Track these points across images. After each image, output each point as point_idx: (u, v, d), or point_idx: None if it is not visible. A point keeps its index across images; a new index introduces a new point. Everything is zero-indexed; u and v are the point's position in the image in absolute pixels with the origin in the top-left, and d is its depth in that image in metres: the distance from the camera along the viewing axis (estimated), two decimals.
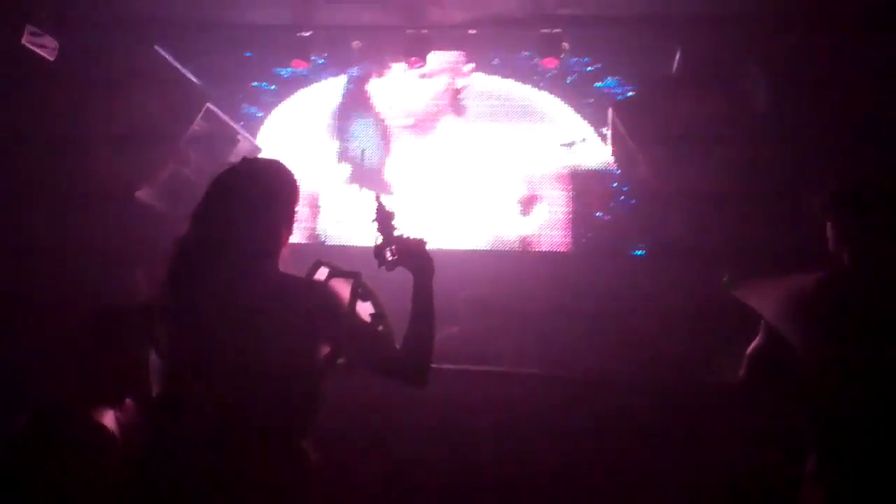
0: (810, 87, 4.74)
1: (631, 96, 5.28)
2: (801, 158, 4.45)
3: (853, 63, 4.65)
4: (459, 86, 6.22)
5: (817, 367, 2.32)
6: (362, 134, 6.24)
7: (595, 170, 5.79)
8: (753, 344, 2.48)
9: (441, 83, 6.23)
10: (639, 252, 5.49)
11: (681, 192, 4.68)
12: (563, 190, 5.86)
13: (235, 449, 2.13)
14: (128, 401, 2.90)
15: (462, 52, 6.20)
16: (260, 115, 6.28)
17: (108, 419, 2.90)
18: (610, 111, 5.07)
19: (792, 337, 2.33)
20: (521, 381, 3.98)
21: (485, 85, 6.19)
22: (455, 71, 6.23)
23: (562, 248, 5.80)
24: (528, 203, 5.90)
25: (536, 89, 6.06)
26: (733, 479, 3.51)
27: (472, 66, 6.19)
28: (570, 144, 5.81)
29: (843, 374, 2.28)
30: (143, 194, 5.19)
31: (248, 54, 6.16)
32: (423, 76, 6.18)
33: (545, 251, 5.80)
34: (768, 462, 3.33)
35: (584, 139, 5.82)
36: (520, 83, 6.11)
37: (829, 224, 2.52)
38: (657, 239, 5.12)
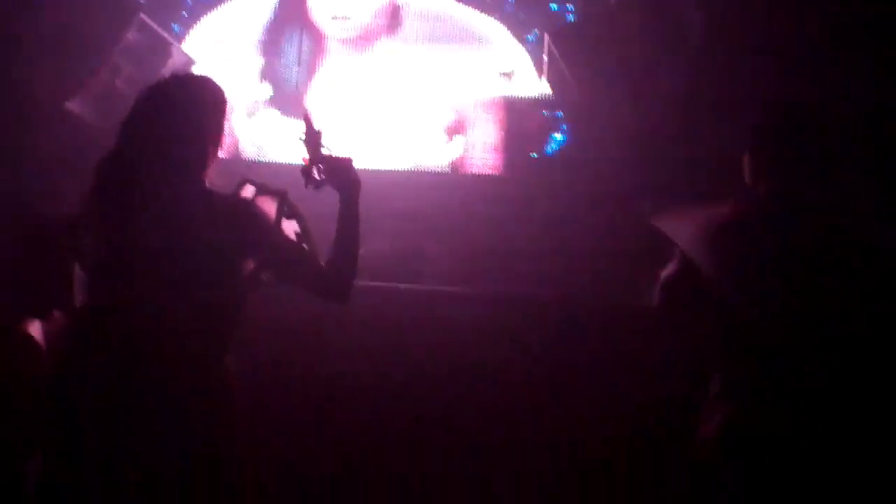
0: (746, 22, 4.78)
1: (568, 24, 5.26)
2: (732, 96, 4.50)
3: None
4: (400, 2, 6.11)
5: (728, 295, 2.40)
6: (292, 50, 6.10)
7: (533, 99, 5.77)
8: (666, 270, 2.53)
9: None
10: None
11: (613, 122, 4.72)
12: (497, 117, 5.85)
13: (155, 360, 2.16)
14: (55, 312, 2.91)
15: None
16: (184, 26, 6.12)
17: (35, 329, 2.91)
18: (546, 38, 5.05)
19: (704, 264, 2.39)
20: (447, 300, 4.04)
21: (424, 4, 6.09)
22: None
23: (493, 171, 5.80)
24: (459, 127, 5.88)
25: (477, 11, 5.99)
26: (646, 399, 3.65)
27: None
28: (509, 74, 5.78)
29: (755, 302, 2.36)
30: (73, 105, 5.07)
31: None
32: None
33: (475, 174, 5.80)
34: (676, 384, 3.47)
35: (521, 67, 5.77)
36: (461, 4, 6.03)
37: (747, 158, 2.58)
38: (589, 167, 5.16)
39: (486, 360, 3.80)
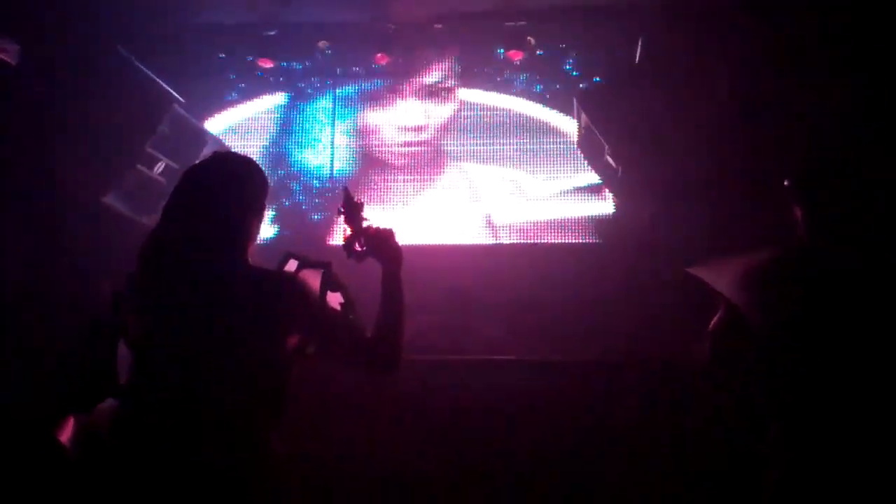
0: (772, 74, 4.80)
1: (595, 86, 5.31)
2: (764, 147, 4.49)
3: (816, 49, 4.71)
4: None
5: (774, 340, 2.34)
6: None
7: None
8: (714, 320, 2.50)
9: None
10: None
11: (646, 182, 4.71)
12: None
13: (201, 439, 2.12)
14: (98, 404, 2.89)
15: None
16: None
17: (67, 424, 2.88)
18: (575, 102, 5.09)
19: (749, 310, 2.35)
20: (497, 368, 4.01)
21: (467, 98, 6.21)
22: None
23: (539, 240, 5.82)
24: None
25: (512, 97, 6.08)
26: (705, 451, 3.57)
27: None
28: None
29: (799, 347, 2.31)
30: (110, 200, 5.14)
31: (220, 55, 6.20)
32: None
33: (521, 243, 5.81)
34: (736, 433, 3.39)
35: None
36: (497, 93, 6.12)
37: (798, 210, 2.55)
38: (623, 230, 5.17)
39: (543, 423, 3.75)
